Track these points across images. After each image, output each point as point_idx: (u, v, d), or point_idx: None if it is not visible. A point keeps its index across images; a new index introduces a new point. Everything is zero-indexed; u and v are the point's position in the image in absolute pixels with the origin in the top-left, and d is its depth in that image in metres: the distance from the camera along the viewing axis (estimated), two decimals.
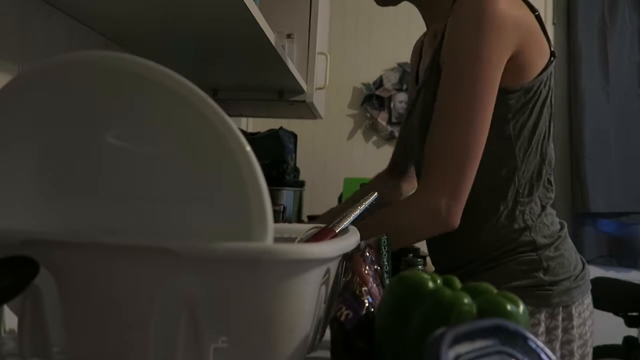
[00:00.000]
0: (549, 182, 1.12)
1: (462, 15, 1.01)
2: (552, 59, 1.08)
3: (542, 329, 1.04)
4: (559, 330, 1.05)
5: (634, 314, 2.48)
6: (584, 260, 1.14)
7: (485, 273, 1.08)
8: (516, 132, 1.05)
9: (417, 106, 1.14)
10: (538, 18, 1.06)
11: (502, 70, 0.99)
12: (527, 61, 1.03)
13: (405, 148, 1.34)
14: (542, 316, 1.04)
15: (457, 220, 0.99)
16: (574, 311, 1.06)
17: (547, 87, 1.07)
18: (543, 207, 1.10)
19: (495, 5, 0.97)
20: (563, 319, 1.05)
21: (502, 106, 1.02)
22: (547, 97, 1.08)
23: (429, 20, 1.19)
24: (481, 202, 1.05)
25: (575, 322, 1.06)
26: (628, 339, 2.54)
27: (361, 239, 0.70)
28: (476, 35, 0.98)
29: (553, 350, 1.04)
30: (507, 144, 1.06)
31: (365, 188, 1.44)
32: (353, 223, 0.74)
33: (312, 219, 2.00)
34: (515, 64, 1.01)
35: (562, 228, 1.12)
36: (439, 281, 0.56)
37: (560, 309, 1.05)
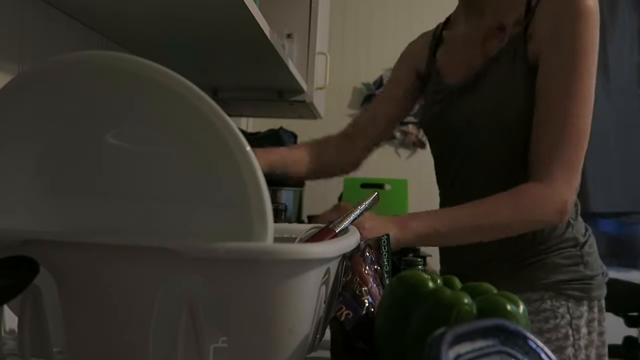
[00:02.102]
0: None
1: (561, 8, 1.03)
2: None
3: (584, 320, 1.08)
4: (596, 323, 1.10)
5: (634, 314, 2.48)
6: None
7: (525, 269, 1.09)
8: None
9: (476, 99, 1.11)
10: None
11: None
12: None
13: (387, 122, 1.32)
14: (584, 308, 1.09)
15: (570, 213, 1.04)
16: (604, 304, 1.13)
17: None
18: (577, 209, 1.15)
19: (591, 1, 1.02)
20: (598, 312, 1.11)
21: None
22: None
23: (485, 11, 1.15)
24: None
25: (605, 315, 1.13)
26: (628, 339, 2.54)
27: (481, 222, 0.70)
28: (583, 27, 1.01)
29: (592, 341, 1.10)
30: None
31: (306, 145, 1.36)
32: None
33: (312, 219, 2.00)
34: None
35: (587, 229, 1.17)
36: (439, 281, 0.56)
37: (596, 302, 1.11)
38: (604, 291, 1.13)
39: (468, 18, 1.19)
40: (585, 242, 1.13)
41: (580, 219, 1.15)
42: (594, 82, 1.03)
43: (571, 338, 1.06)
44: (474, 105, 1.11)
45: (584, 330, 1.08)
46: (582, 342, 1.07)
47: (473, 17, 1.17)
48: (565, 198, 1.00)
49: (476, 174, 1.14)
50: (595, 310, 1.10)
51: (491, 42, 1.11)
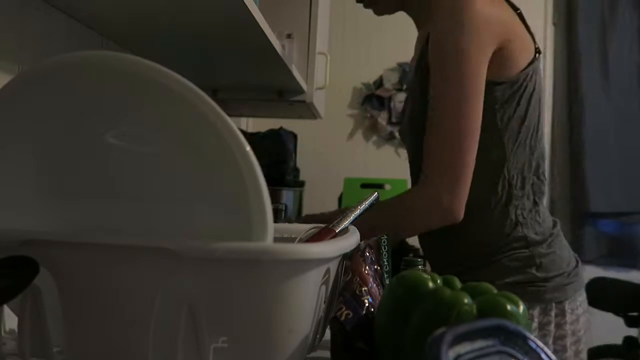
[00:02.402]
0: (543, 175, 1.14)
1: (442, 15, 1.06)
2: (537, 55, 1.11)
3: (535, 324, 1.06)
4: (552, 326, 1.07)
5: (634, 314, 2.47)
6: (578, 258, 1.16)
7: (482, 269, 1.09)
8: (504, 124, 1.09)
9: (407, 105, 1.20)
10: (520, 16, 1.12)
11: (486, 63, 1.04)
12: (511, 55, 1.07)
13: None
14: (536, 312, 1.06)
15: (460, 213, 1.03)
16: (566, 307, 1.08)
17: (533, 82, 1.11)
18: (535, 203, 1.12)
19: (473, 4, 1.03)
20: (556, 315, 1.08)
21: (489, 98, 1.06)
22: (534, 92, 1.11)
23: (418, 24, 1.23)
24: (474, 197, 1.07)
25: (568, 318, 1.08)
26: (628, 339, 2.54)
27: (363, 229, 0.72)
28: (458, 31, 1.02)
29: (546, 345, 1.05)
30: (496, 136, 1.09)
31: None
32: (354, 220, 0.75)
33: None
34: (499, 58, 1.05)
35: (554, 225, 1.14)
36: (439, 281, 0.56)
37: (553, 304, 1.07)
38: (567, 292, 1.08)
39: (417, 29, 1.26)
40: (542, 241, 1.09)
41: (539, 215, 1.11)
42: (476, 82, 1.03)
43: None
44: (408, 109, 1.19)
45: (535, 334, 1.05)
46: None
47: (418, 29, 1.25)
48: (438, 199, 1.02)
49: (412, 174, 1.20)
50: (552, 313, 1.07)
51: (418, 52, 1.17)
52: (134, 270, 0.51)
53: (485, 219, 1.09)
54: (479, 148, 1.04)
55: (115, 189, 0.59)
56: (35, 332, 0.53)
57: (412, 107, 1.14)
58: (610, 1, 3.18)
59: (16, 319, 0.54)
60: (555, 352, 1.07)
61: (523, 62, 1.08)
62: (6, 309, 0.57)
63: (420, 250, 1.79)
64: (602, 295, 1.96)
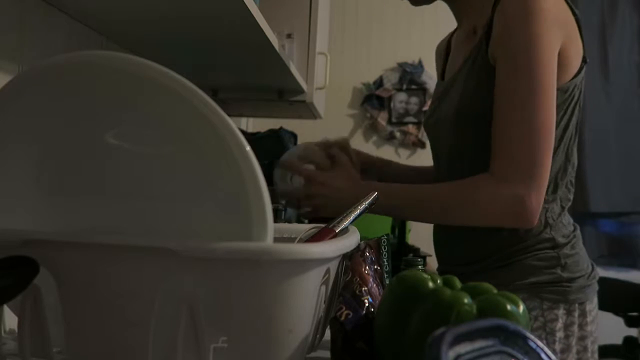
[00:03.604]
0: (571, 183, 1.14)
1: (511, 10, 1.02)
2: (583, 63, 1.10)
3: (559, 324, 1.06)
4: (575, 327, 1.08)
5: (634, 314, 2.48)
6: (593, 263, 1.17)
7: (501, 269, 1.09)
8: None
9: (450, 97, 1.15)
10: (577, 21, 1.09)
11: (556, 59, 1.01)
12: (568, 60, 1.05)
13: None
14: (560, 312, 1.07)
15: (537, 219, 1.00)
16: (587, 308, 1.09)
17: (579, 91, 1.10)
18: (562, 208, 1.12)
19: (543, 1, 1.00)
20: (579, 315, 1.08)
21: None
22: (578, 101, 1.10)
23: (463, 16, 1.21)
24: None
25: (588, 319, 1.09)
26: (628, 339, 2.54)
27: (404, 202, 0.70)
28: (528, 26, 0.99)
29: (570, 346, 1.07)
30: None
31: (425, 168, 1.42)
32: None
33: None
34: (559, 61, 1.03)
35: (575, 229, 1.15)
36: (439, 281, 0.56)
37: (576, 305, 1.08)
38: (587, 294, 1.09)
39: (458, 22, 1.25)
40: (567, 243, 1.10)
41: (564, 219, 1.12)
42: (550, 73, 1.00)
43: (544, 341, 1.05)
44: (447, 105, 1.15)
45: (559, 334, 1.06)
46: (558, 347, 1.06)
47: (460, 21, 1.23)
48: (524, 201, 0.98)
49: (448, 169, 1.17)
50: (575, 314, 1.07)
51: (468, 44, 1.15)
52: (134, 270, 0.51)
53: None
54: None
55: (115, 189, 0.59)
56: (35, 332, 0.53)
57: (464, 101, 1.09)
58: (610, 1, 3.19)
59: (16, 319, 0.54)
60: (577, 352, 1.08)
61: (576, 67, 1.07)
62: (6, 309, 0.57)
63: (420, 250, 1.80)
64: (602, 295, 1.95)
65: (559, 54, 1.02)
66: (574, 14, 1.08)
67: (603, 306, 2.25)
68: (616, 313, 2.49)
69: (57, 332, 0.54)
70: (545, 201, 1.08)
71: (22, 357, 0.53)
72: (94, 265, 0.51)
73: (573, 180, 1.14)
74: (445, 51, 1.31)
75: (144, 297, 0.50)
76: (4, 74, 0.93)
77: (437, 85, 1.31)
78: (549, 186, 1.08)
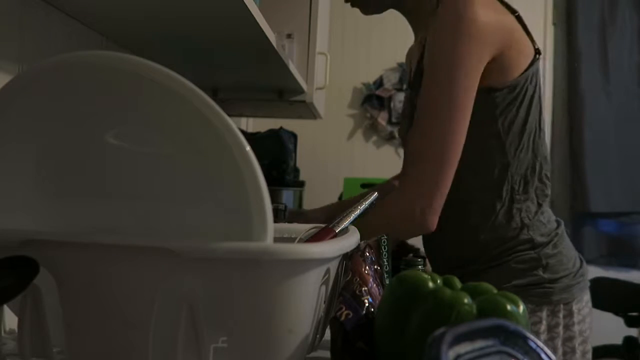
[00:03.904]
0: (547, 177, 1.13)
1: (440, 21, 1.03)
2: (537, 56, 1.10)
3: (543, 326, 1.05)
4: (560, 328, 1.06)
5: (634, 314, 2.47)
6: (582, 258, 1.15)
7: (485, 273, 1.08)
8: (505, 129, 1.07)
9: (407, 109, 1.18)
10: (519, 18, 1.10)
11: (480, 72, 1.02)
12: (510, 61, 1.05)
13: None
14: (544, 314, 1.05)
15: (432, 223, 1.01)
16: (574, 308, 1.08)
17: (533, 84, 1.09)
18: (539, 205, 1.11)
19: (472, 10, 1.00)
20: (564, 316, 1.07)
21: (489, 104, 1.05)
22: (534, 94, 1.10)
23: (415, 28, 1.22)
24: (477, 201, 1.06)
25: (576, 318, 1.08)
26: (628, 339, 2.54)
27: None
28: (453, 39, 1.00)
29: (555, 348, 1.06)
30: (497, 142, 1.08)
31: (380, 186, 1.45)
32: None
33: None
34: (498, 65, 1.04)
35: (558, 226, 1.13)
36: (439, 281, 0.56)
37: (561, 306, 1.06)
38: (574, 293, 1.08)
39: (414, 33, 1.25)
40: (548, 242, 1.09)
41: (543, 217, 1.11)
42: (466, 93, 1.00)
43: None
44: (407, 114, 1.17)
45: (544, 336, 1.05)
46: None
47: (414, 32, 1.24)
48: (411, 208, 1.00)
49: None
50: (560, 314, 1.06)
51: (417, 56, 1.15)
52: (134, 270, 0.51)
53: (490, 223, 1.09)
54: (481, 157, 1.04)
55: (116, 189, 0.59)
56: (35, 332, 0.53)
57: (411, 112, 1.11)
58: (610, 1, 3.19)
59: (16, 319, 0.54)
60: (564, 354, 1.07)
61: (523, 65, 1.07)
62: (6, 309, 0.57)
63: (420, 250, 1.79)
64: (602, 295, 1.95)
65: (498, 58, 1.03)
66: (513, 12, 1.09)
67: (603, 306, 2.25)
68: (616, 313, 2.49)
69: (57, 332, 0.54)
70: (517, 201, 1.08)
71: (22, 357, 0.53)
72: (94, 265, 0.51)
73: (548, 174, 1.13)
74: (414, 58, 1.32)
75: (144, 297, 0.50)
76: (4, 74, 0.93)
77: (406, 92, 1.32)
78: (518, 186, 1.08)
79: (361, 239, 0.72)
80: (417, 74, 1.11)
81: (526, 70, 1.07)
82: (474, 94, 1.01)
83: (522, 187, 1.09)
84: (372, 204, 0.80)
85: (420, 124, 1.03)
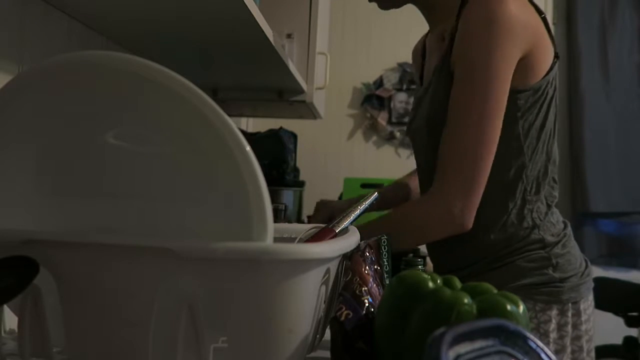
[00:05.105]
0: (554, 180, 1.14)
1: (473, 17, 1.02)
2: (555, 59, 1.10)
3: (553, 325, 1.06)
4: (569, 327, 1.07)
5: (634, 314, 2.48)
6: (587, 259, 1.16)
7: (492, 272, 1.09)
8: (525, 131, 1.07)
9: (423, 106, 1.16)
10: (544, 20, 1.09)
11: (512, 71, 1.02)
12: (536, 62, 1.05)
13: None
14: (553, 312, 1.06)
15: (470, 222, 1.02)
16: (581, 307, 1.09)
17: (552, 87, 1.10)
18: (549, 206, 1.12)
19: (505, 7, 0.99)
20: (572, 315, 1.07)
21: (511, 106, 1.04)
22: (553, 97, 1.10)
23: (433, 21, 1.20)
24: (491, 200, 1.06)
25: (583, 317, 1.09)
26: (628, 339, 2.54)
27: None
28: (488, 36, 1.00)
29: (564, 346, 1.06)
30: (516, 143, 1.08)
31: (397, 183, 1.45)
32: (359, 223, 0.75)
33: (311, 218, 2.00)
34: (524, 65, 1.03)
35: (566, 226, 1.14)
36: (439, 281, 0.56)
37: (570, 305, 1.07)
38: (581, 292, 1.09)
39: (430, 26, 1.23)
40: (557, 242, 1.09)
41: (552, 218, 1.12)
42: (502, 91, 1.00)
43: None
44: (422, 113, 1.16)
45: (553, 335, 1.05)
46: (552, 348, 1.05)
47: (431, 25, 1.22)
48: (451, 207, 1.00)
49: (422, 178, 1.20)
50: (569, 313, 1.07)
51: (439, 50, 1.14)
52: (134, 270, 0.51)
53: (502, 223, 1.09)
54: (499, 157, 1.03)
55: (116, 189, 0.59)
56: (35, 332, 0.53)
57: (433, 110, 1.10)
58: (610, 1, 3.19)
59: (16, 319, 0.54)
60: (572, 352, 1.08)
61: (545, 67, 1.07)
62: (6, 309, 0.57)
63: (420, 250, 1.79)
64: (602, 295, 1.95)
65: (526, 58, 1.03)
66: (540, 13, 1.09)
67: (603, 306, 2.25)
68: (616, 313, 2.49)
69: (57, 332, 0.54)
70: (529, 202, 1.09)
71: (22, 357, 0.53)
72: (94, 265, 0.51)
73: (555, 177, 1.15)
74: (421, 54, 1.30)
75: (143, 297, 0.50)
76: (4, 74, 0.93)
77: (416, 90, 1.31)
78: (530, 187, 1.09)
79: (394, 243, 0.73)
80: (441, 69, 1.10)
81: (548, 72, 1.07)
82: (508, 90, 1.02)
83: (534, 188, 1.09)
84: (372, 203, 0.80)
85: (457, 123, 1.02)
